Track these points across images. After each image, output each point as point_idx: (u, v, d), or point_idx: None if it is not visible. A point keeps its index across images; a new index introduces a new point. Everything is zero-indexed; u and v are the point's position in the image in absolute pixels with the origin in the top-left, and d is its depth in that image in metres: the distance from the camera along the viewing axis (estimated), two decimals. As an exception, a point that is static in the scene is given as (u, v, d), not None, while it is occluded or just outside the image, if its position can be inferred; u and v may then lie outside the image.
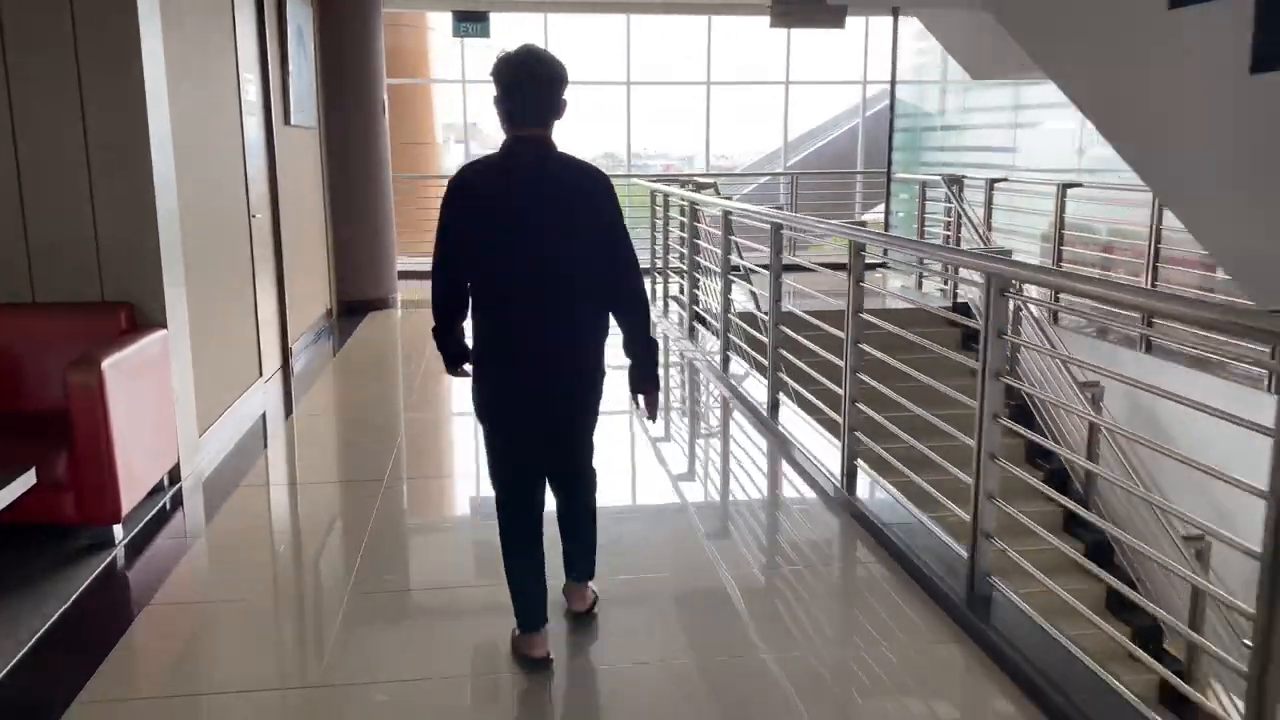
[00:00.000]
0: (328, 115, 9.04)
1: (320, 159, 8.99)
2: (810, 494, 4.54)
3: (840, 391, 4.42)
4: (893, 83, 12.68)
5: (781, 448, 5.24)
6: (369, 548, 3.93)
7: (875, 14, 12.52)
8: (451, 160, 15.58)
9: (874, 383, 4.28)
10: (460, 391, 6.90)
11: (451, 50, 14.48)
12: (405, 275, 10.57)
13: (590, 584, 3.31)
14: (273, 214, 6.91)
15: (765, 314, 6.05)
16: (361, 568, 3.73)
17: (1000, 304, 3.16)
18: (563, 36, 14.09)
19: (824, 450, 4.84)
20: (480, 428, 2.98)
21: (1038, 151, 10.04)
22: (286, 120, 7.34)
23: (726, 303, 6.76)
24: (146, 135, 4.33)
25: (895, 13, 12.35)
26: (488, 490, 3.12)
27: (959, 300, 9.37)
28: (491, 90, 2.79)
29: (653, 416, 3.03)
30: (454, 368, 3.04)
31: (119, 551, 3.89)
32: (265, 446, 5.50)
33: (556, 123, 2.83)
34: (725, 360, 6.76)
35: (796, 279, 5.70)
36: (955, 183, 9.78)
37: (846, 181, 15.66)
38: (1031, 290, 5.55)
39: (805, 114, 16.81)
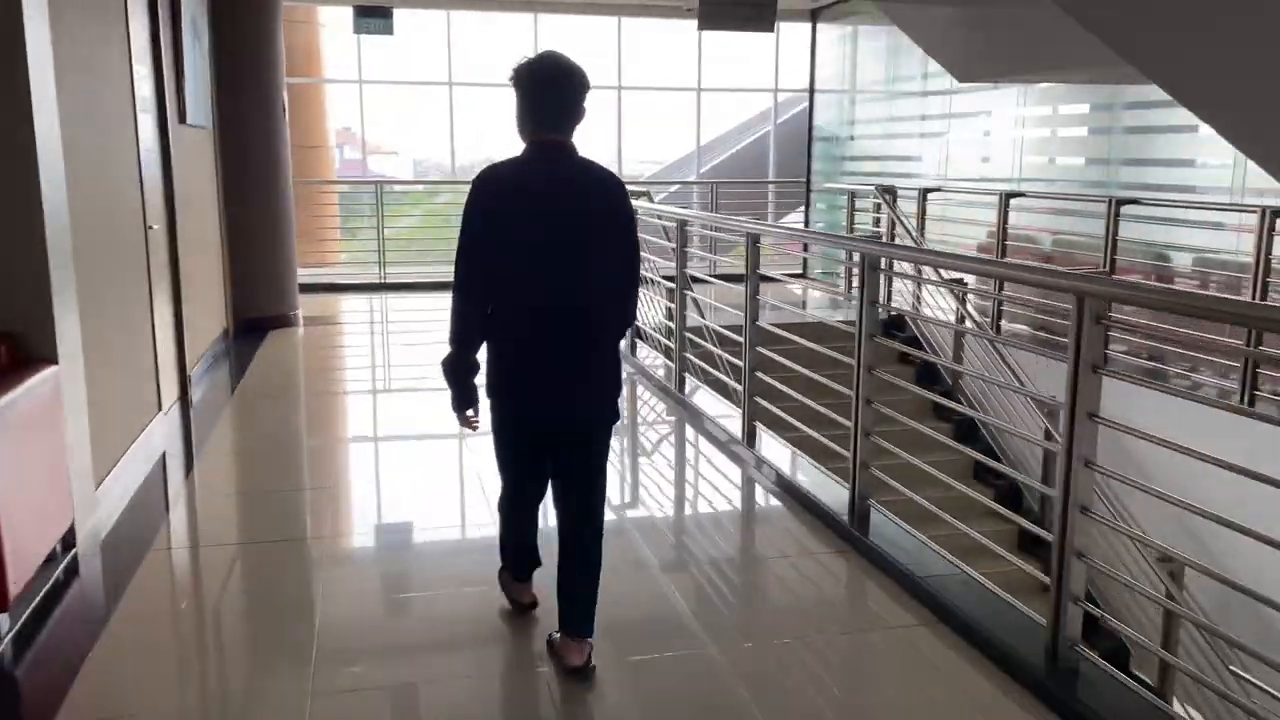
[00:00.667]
0: (223, 115, 8.20)
1: (215, 162, 8.14)
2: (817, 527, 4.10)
3: (840, 418, 4.20)
4: (811, 91, 12.42)
5: (775, 481, 4.82)
6: (324, 631, 3.27)
7: (794, 20, 12.23)
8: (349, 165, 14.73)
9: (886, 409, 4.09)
10: (381, 413, 6.43)
11: (346, 48, 13.63)
12: (307, 289, 9.78)
13: (588, 640, 2.99)
14: (169, 224, 6.11)
15: (719, 327, 6.06)
16: (320, 660, 3.08)
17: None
18: (466, 36, 13.42)
19: (824, 485, 4.47)
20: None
21: (963, 161, 9.88)
22: (182, 119, 6.53)
23: (683, 318, 6.30)
24: (32, 136, 3.58)
25: (814, 16, 12.10)
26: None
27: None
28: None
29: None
30: (464, 408, 2.90)
31: (5, 647, 3.15)
32: (169, 500, 4.75)
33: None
34: (680, 380, 6.33)
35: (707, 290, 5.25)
36: (888, 192, 9.52)
37: (759, 190, 15.38)
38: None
39: (715, 121, 16.49)
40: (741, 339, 5.10)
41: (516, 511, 3.19)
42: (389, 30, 11.11)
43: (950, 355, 8.05)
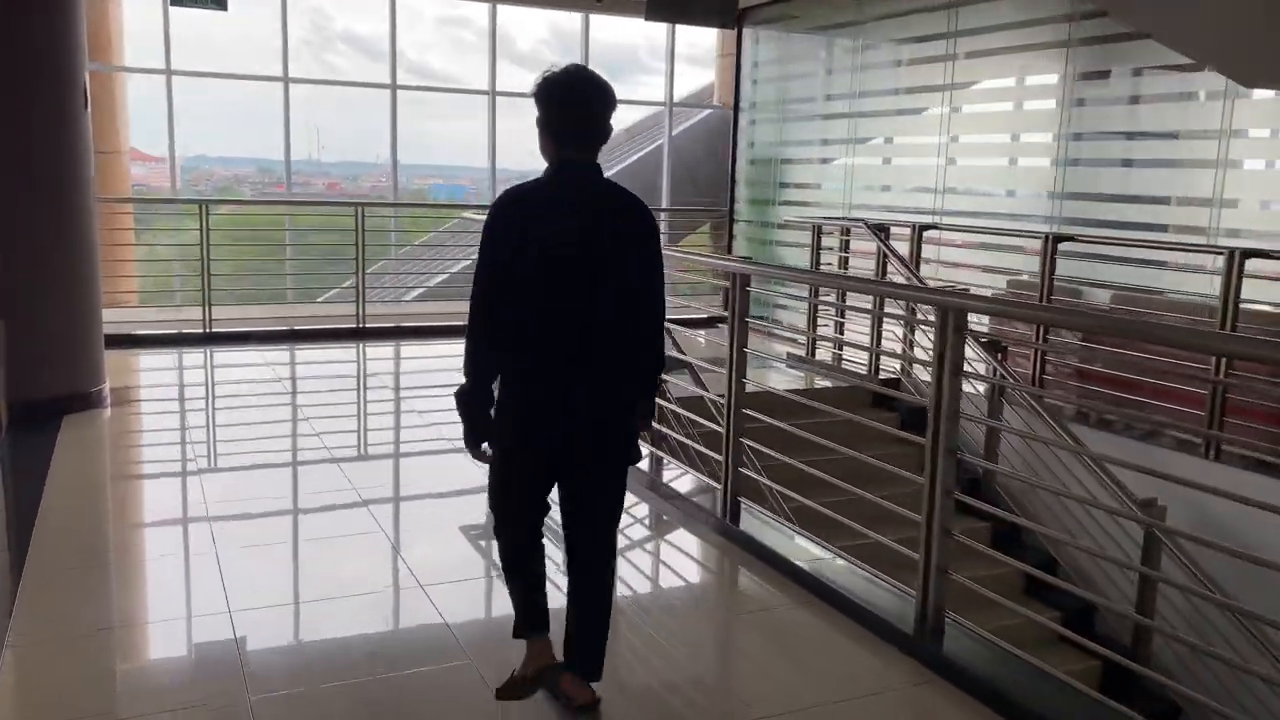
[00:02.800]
0: (-7, 101, 5.52)
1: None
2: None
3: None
4: (736, 106, 10.61)
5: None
6: None
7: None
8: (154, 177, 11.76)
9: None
10: (276, 582, 3.57)
11: (150, 32, 10.74)
12: (115, 342, 7.06)
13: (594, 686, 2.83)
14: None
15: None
16: None
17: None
18: (304, 25, 10.82)
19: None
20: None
21: (964, 192, 8.29)
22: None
23: (740, 420, 4.43)
24: None
25: (741, 18, 10.30)
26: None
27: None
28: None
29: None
30: (479, 442, 2.71)
31: None
32: None
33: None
34: (735, 508, 4.46)
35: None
36: (882, 230, 7.78)
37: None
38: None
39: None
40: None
41: (520, 551, 2.88)
42: (223, 6, 8.50)
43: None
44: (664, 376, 4.38)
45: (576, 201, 2.63)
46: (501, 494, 2.82)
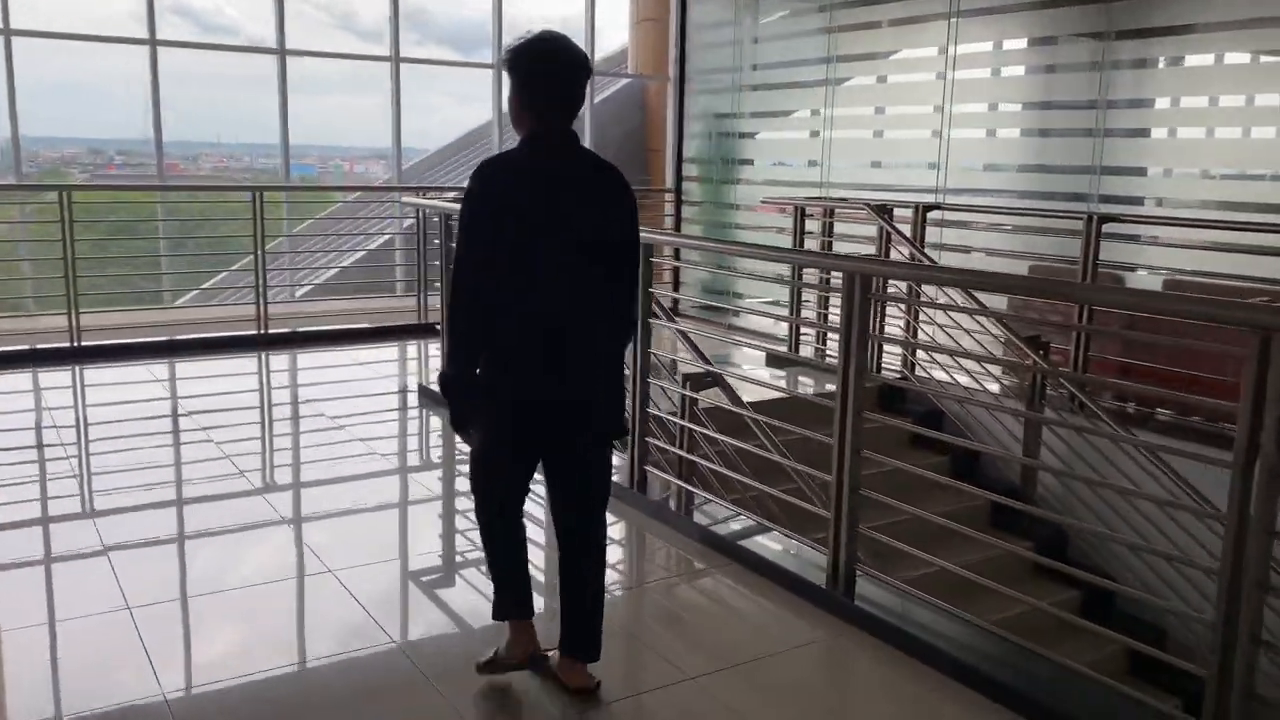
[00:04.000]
0: None
1: None
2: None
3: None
4: (680, 77, 9.51)
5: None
6: None
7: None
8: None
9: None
10: None
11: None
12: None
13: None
14: None
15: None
16: None
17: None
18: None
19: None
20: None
21: (970, 168, 7.43)
22: None
23: (645, 388, 4.41)
24: None
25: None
26: None
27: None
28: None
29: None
30: (467, 425, 2.69)
31: None
32: None
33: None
34: (642, 478, 4.48)
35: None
36: (885, 211, 6.84)
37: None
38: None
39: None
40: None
41: (505, 533, 2.83)
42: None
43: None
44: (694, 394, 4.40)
45: (563, 174, 2.60)
46: (485, 475, 2.80)
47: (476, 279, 2.53)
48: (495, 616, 2.87)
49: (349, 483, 4.83)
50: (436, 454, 5.59)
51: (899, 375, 6.90)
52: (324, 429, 5.76)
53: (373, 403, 6.42)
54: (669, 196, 10.21)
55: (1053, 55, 6.81)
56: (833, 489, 3.37)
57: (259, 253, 7.74)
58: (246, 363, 7.33)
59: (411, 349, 8.03)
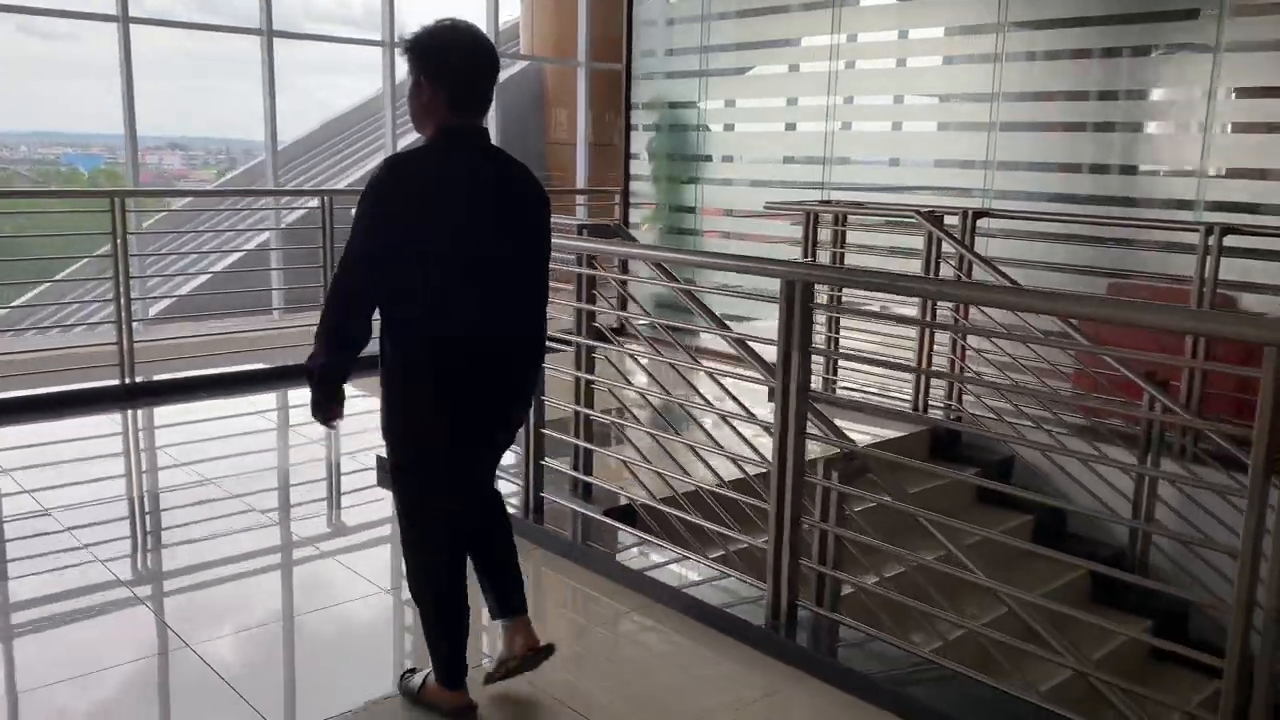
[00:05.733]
0: None
1: None
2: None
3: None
4: (627, 59, 8.09)
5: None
6: None
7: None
8: None
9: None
10: None
11: None
12: None
13: None
14: None
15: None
16: None
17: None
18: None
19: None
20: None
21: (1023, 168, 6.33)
22: None
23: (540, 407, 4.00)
24: None
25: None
26: None
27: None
28: None
29: None
30: (332, 409, 2.45)
31: None
32: None
33: None
34: (537, 506, 4.06)
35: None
36: (934, 220, 5.67)
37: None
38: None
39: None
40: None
41: (455, 590, 2.65)
42: None
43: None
44: None
45: (482, 177, 2.44)
46: (427, 526, 2.61)
47: (367, 283, 2.37)
48: (450, 685, 2.68)
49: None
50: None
51: (955, 417, 5.78)
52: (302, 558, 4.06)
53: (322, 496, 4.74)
54: (615, 199, 8.80)
55: (1140, 36, 5.76)
56: (771, 519, 3.15)
57: (119, 273, 5.85)
58: (107, 421, 5.46)
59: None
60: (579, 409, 4.09)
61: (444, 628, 2.65)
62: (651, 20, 7.94)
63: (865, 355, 5.25)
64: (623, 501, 4.07)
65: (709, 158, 7.66)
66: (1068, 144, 6.00)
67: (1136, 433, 5.00)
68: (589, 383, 4.09)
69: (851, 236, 6.31)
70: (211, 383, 6.18)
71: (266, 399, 6.12)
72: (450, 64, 2.40)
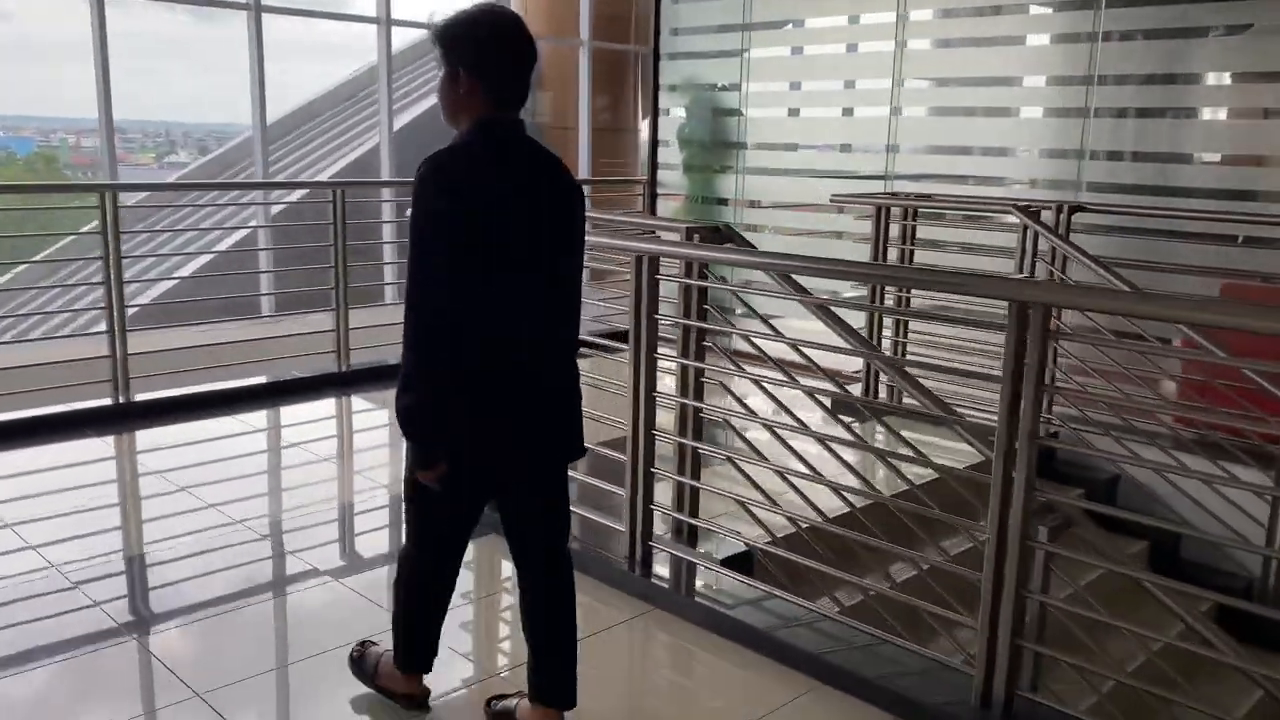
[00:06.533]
0: None
1: None
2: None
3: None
4: (655, 36, 7.44)
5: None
6: None
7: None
8: None
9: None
10: None
11: None
12: None
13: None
14: None
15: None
16: None
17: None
18: None
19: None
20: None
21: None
22: None
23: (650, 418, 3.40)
24: None
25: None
26: None
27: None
28: None
29: None
30: (436, 463, 2.25)
31: None
32: None
33: None
34: (645, 557, 3.47)
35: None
36: (1030, 214, 5.12)
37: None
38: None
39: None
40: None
41: (439, 581, 2.56)
42: None
43: None
44: None
45: (528, 173, 2.28)
46: (430, 514, 2.45)
47: (449, 288, 2.14)
48: (405, 668, 2.60)
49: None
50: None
51: (1052, 433, 5.24)
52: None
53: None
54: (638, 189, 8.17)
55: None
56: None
57: (111, 277, 5.10)
58: (98, 445, 4.74)
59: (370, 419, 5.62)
60: (683, 440, 3.47)
61: (408, 608, 2.58)
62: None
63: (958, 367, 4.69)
64: (766, 539, 3.41)
65: (748, 145, 7.04)
66: (1172, 131, 5.47)
67: (1274, 451, 4.51)
68: (698, 410, 3.49)
69: (921, 232, 5.76)
70: (215, 400, 5.46)
71: (269, 416, 5.44)
72: (492, 55, 2.23)
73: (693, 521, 3.55)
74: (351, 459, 5.02)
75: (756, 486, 3.39)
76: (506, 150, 2.25)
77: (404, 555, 2.55)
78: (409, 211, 2.16)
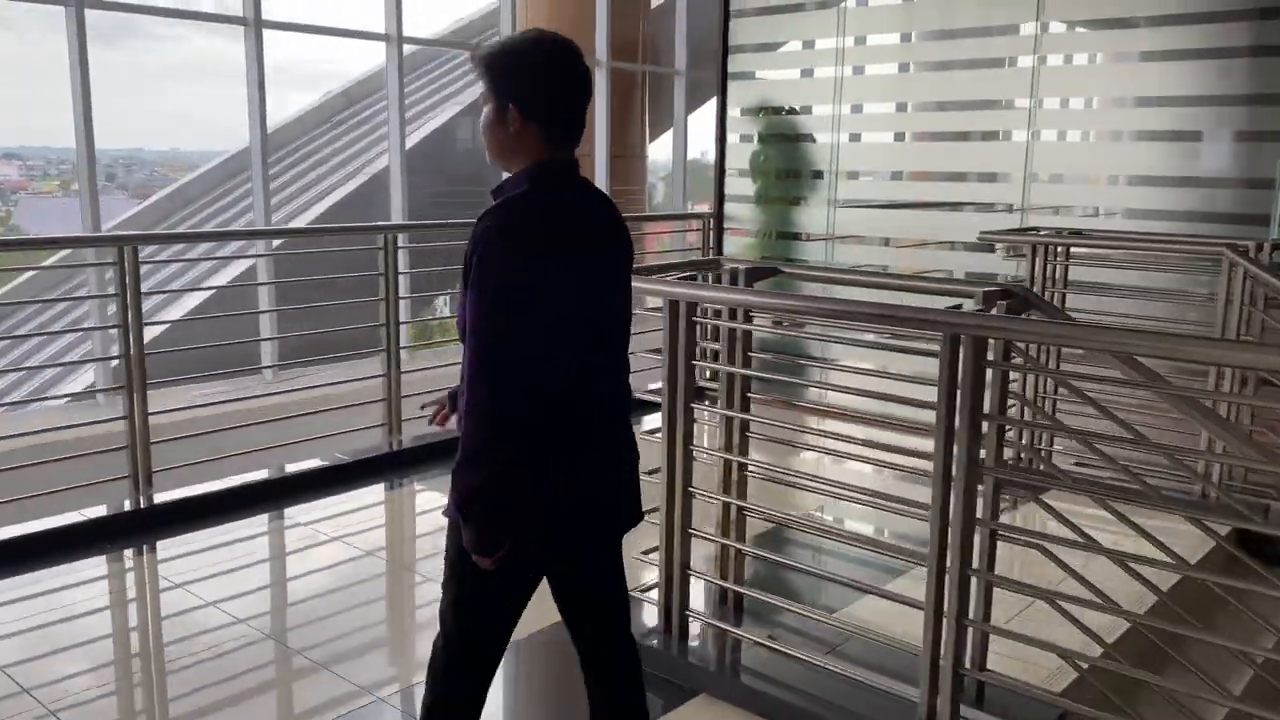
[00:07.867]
0: None
1: None
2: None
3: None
4: (723, 51, 6.58)
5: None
6: None
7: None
8: None
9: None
10: None
11: None
12: None
13: None
14: None
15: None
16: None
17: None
18: None
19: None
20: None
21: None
22: None
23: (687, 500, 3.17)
24: None
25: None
26: None
27: None
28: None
29: None
30: (498, 545, 1.94)
31: None
32: None
33: None
34: (681, 629, 3.18)
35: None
36: (1243, 254, 4.36)
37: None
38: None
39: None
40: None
41: (485, 672, 2.15)
42: None
43: None
44: None
45: (591, 221, 2.09)
46: (483, 615, 2.11)
47: (523, 351, 1.90)
48: None
49: None
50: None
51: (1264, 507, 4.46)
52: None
53: None
54: (695, 224, 7.27)
55: None
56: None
57: (129, 343, 4.05)
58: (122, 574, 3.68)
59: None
60: (728, 499, 3.16)
61: (465, 690, 2.16)
62: (745, 8, 6.43)
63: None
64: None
65: (841, 175, 6.18)
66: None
67: None
68: (742, 466, 3.14)
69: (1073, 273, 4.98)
70: (250, 494, 4.41)
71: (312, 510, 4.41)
72: (547, 91, 2.01)
73: (738, 589, 3.23)
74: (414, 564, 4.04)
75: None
76: (568, 197, 2.05)
77: (439, 696, 2.13)
78: (473, 262, 1.88)
